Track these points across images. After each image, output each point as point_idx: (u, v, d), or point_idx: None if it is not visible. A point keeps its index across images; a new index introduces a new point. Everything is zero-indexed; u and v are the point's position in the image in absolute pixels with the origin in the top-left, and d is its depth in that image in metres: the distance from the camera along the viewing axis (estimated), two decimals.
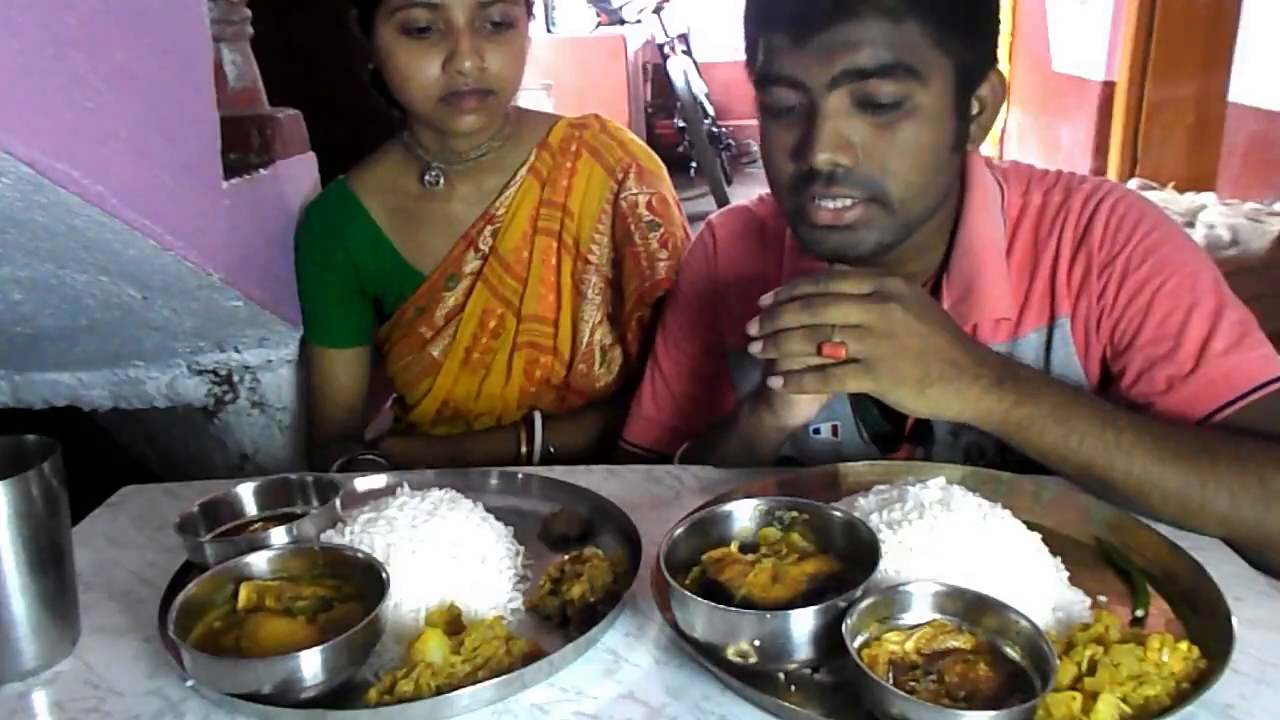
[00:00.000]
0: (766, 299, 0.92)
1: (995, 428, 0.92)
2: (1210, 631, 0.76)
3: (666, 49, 6.40)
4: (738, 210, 1.28)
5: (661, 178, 1.44)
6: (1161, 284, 1.00)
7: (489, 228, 1.40)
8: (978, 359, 0.91)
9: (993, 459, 1.07)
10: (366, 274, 1.44)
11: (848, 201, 0.96)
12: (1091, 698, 0.67)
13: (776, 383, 0.92)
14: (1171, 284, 1.00)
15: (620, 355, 1.45)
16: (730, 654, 0.72)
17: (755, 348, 0.92)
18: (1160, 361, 0.99)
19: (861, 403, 1.14)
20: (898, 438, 1.15)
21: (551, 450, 1.41)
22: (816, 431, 1.18)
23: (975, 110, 1.00)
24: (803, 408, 0.99)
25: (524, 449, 1.41)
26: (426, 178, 1.40)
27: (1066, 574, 0.83)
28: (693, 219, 1.46)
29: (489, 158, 1.39)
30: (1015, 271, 1.07)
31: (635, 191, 1.40)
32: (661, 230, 1.39)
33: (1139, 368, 1.01)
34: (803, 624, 0.71)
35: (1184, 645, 0.72)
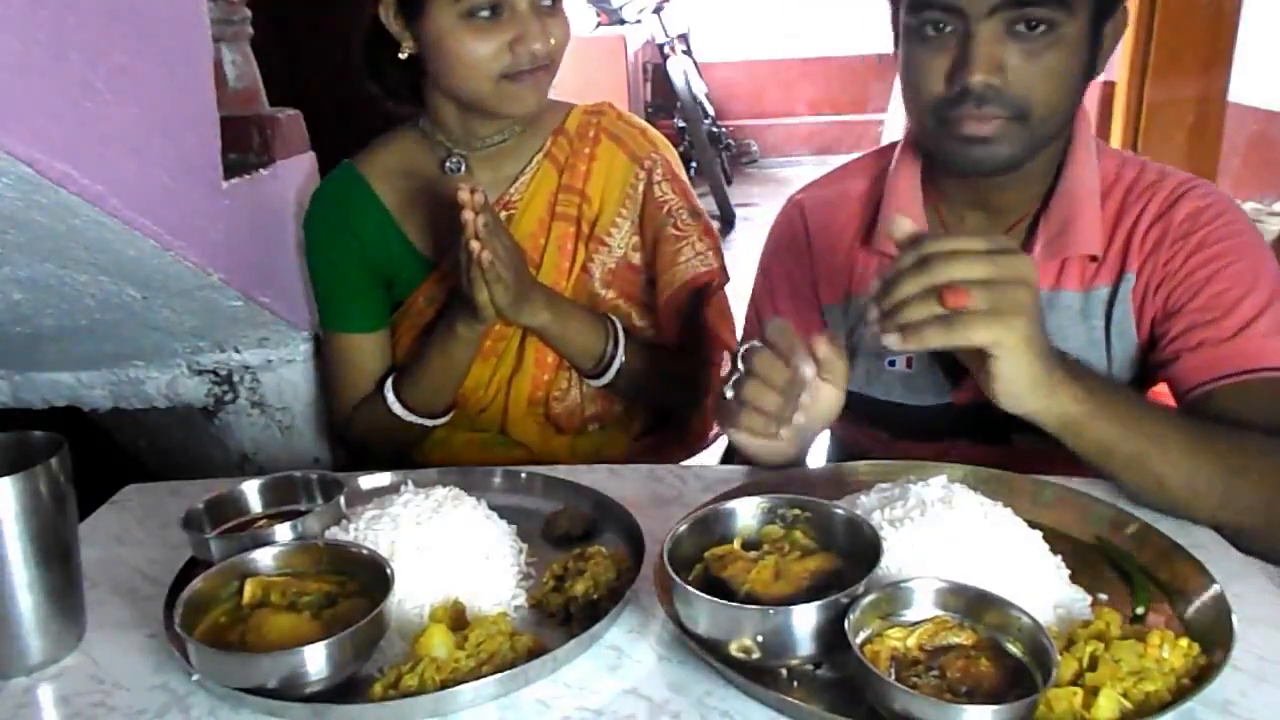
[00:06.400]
0: (902, 236, 0.88)
1: (1056, 422, 0.91)
2: (1210, 628, 0.76)
3: (666, 49, 6.38)
4: (818, 181, 1.36)
5: (680, 165, 1.46)
6: (1227, 265, 1.05)
7: (503, 214, 1.37)
8: (1059, 352, 0.92)
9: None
10: (375, 258, 1.40)
11: (995, 121, 1.03)
12: (1092, 693, 0.68)
13: (893, 340, 0.87)
14: (1237, 268, 1.05)
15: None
16: (733, 650, 0.73)
17: (872, 315, 0.88)
18: (1201, 325, 1.04)
19: None
20: (965, 372, 1.13)
21: (621, 362, 1.35)
22: (892, 363, 1.21)
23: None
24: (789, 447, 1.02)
25: (609, 347, 1.35)
26: (448, 164, 1.37)
27: (1067, 572, 0.84)
28: None
29: (509, 143, 1.37)
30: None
31: (668, 183, 1.41)
32: (701, 221, 1.42)
33: (1181, 328, 1.06)
34: (805, 620, 0.71)
35: (1184, 642, 0.73)
